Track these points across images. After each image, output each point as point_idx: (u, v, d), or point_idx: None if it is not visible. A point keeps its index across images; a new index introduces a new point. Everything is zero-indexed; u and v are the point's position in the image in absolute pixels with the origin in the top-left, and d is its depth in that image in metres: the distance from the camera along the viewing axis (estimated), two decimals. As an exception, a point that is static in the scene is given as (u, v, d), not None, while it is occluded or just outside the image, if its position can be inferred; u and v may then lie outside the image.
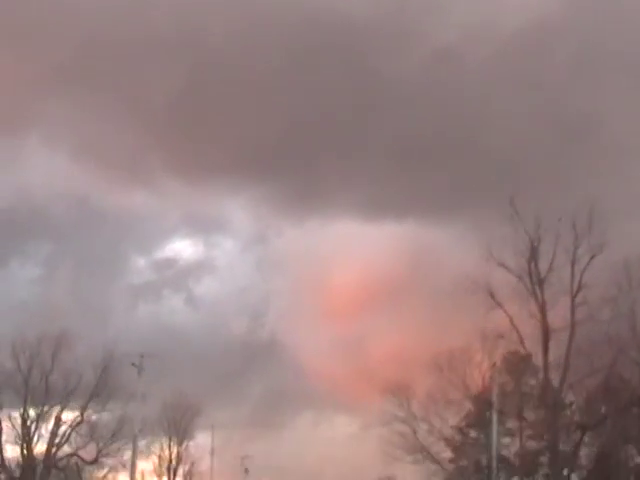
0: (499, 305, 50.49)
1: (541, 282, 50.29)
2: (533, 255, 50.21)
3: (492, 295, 50.48)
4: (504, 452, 58.37)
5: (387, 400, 61.46)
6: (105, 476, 70.29)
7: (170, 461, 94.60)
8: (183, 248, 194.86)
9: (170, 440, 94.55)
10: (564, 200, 50.59)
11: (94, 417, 66.17)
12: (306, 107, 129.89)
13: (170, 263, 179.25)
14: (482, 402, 58.11)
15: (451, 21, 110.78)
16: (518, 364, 55.32)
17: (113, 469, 69.46)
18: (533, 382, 54.80)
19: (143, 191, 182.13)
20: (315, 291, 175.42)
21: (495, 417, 53.46)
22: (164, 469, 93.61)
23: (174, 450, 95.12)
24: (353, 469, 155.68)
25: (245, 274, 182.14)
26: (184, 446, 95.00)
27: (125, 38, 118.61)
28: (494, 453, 53.13)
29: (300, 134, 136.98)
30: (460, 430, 61.72)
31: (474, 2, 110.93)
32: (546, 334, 49.44)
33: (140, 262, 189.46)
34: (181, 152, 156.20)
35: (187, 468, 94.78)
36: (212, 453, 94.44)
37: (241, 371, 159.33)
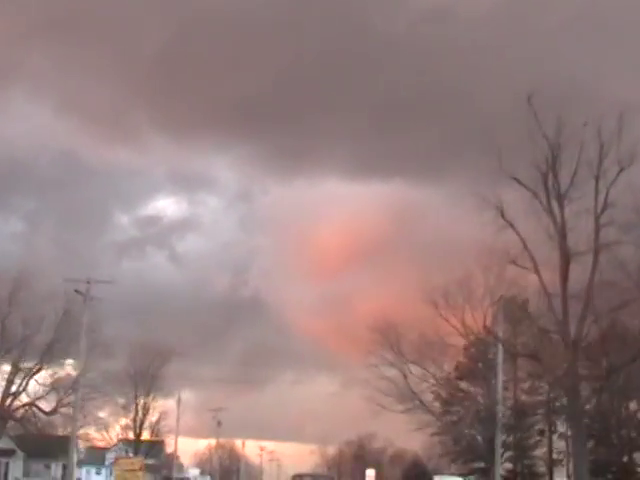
0: (510, 225, 42.53)
1: (561, 198, 42.39)
2: (552, 166, 42.23)
3: (502, 213, 42.58)
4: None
5: (375, 342, 53.54)
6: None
7: (136, 412, 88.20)
8: (167, 205, 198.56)
9: (136, 389, 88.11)
10: (588, 105, 42.24)
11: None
12: (294, 65, 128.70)
13: (154, 220, 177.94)
14: (482, 343, 50.83)
15: None
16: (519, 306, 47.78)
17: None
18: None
19: (128, 147, 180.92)
20: (300, 249, 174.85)
21: (501, 354, 46.09)
22: (129, 421, 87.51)
23: (140, 401, 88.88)
24: (334, 426, 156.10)
25: (229, 232, 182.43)
26: (151, 397, 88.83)
27: None
28: (500, 397, 45.85)
29: (288, 92, 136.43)
30: (449, 382, 54.44)
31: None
32: (566, 258, 41.61)
33: (124, 219, 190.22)
34: (167, 108, 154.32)
35: (155, 419, 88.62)
36: (178, 402, 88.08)
37: (223, 328, 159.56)
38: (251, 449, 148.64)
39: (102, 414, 69.11)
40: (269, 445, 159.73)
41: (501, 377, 47.79)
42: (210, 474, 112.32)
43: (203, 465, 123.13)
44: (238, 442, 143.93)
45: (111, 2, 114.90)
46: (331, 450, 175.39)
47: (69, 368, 60.66)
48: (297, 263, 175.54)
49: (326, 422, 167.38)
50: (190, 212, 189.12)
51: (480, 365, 55.81)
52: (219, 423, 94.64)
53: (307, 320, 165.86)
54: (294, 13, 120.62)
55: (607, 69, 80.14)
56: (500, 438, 49.14)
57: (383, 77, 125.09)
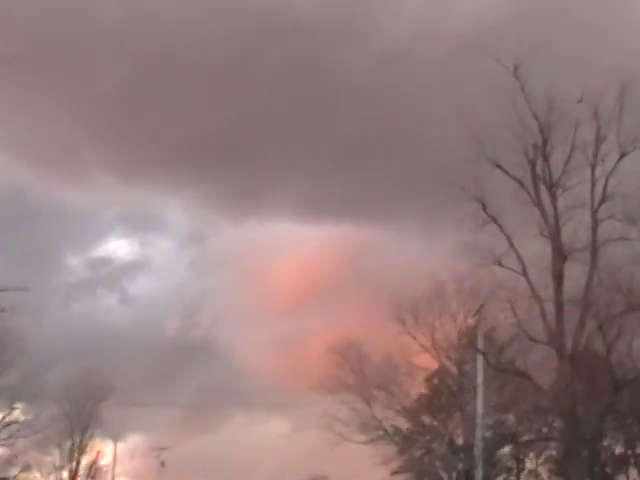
0: (493, 219, 36.30)
1: (552, 188, 36.25)
2: (542, 150, 36.14)
3: (484, 206, 36.40)
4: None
5: (334, 364, 46.96)
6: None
7: (71, 451, 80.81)
8: (119, 247, 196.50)
9: (72, 427, 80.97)
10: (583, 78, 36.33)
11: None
12: (248, 106, 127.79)
13: (105, 262, 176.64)
14: (451, 366, 44.78)
15: (403, 20, 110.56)
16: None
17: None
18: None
19: (79, 187, 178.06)
20: (252, 290, 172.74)
21: (481, 371, 39.64)
22: (64, 460, 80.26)
23: (76, 439, 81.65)
24: (286, 467, 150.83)
25: (181, 273, 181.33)
26: (88, 434, 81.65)
27: (65, 26, 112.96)
28: (480, 422, 39.34)
29: (241, 133, 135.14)
30: (411, 414, 48.09)
31: (427, 1, 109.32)
32: (560, 258, 35.38)
33: (74, 260, 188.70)
34: (118, 148, 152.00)
35: (91, 459, 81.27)
36: (115, 441, 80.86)
37: (175, 369, 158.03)
38: None
39: (38, 454, 66.61)
40: None
41: (481, 397, 41.06)
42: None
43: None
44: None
45: (63, 40, 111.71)
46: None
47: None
48: (249, 304, 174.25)
49: (278, 464, 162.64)
50: (142, 254, 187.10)
51: (442, 399, 49.45)
52: (162, 463, 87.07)
53: (259, 360, 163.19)
54: (249, 54, 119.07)
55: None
56: (480, 474, 42.11)
57: (337, 119, 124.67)
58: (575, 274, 35.26)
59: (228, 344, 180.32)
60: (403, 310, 44.42)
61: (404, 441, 49.28)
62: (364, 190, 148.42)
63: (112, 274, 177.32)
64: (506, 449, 51.13)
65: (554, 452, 49.61)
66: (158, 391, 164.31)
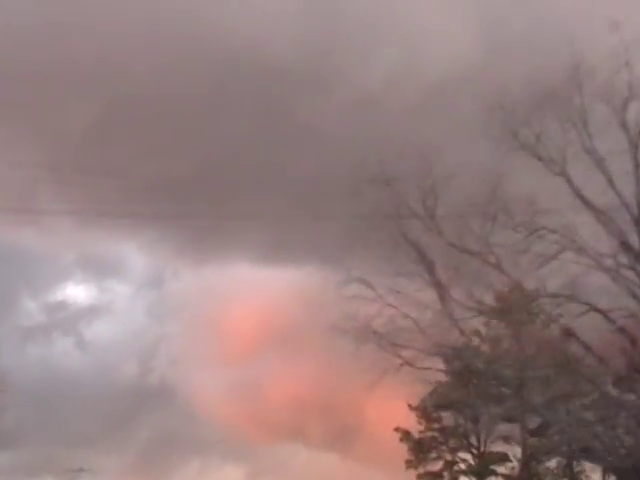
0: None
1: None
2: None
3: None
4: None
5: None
6: None
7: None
8: (75, 291, 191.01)
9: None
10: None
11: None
12: (209, 150, 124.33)
13: (61, 306, 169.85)
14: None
15: (373, 69, 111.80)
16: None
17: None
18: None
19: (35, 230, 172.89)
20: (211, 335, 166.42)
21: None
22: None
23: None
24: None
25: (138, 318, 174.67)
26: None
27: (29, 62, 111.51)
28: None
29: (201, 176, 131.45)
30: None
31: (398, 50, 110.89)
32: None
33: (30, 304, 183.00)
34: (75, 190, 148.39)
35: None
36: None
37: (129, 416, 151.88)
38: None
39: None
40: None
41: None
42: None
43: None
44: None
45: (26, 76, 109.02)
46: None
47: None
48: (207, 349, 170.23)
49: None
50: (99, 298, 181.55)
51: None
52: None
53: (216, 407, 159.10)
54: (214, 99, 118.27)
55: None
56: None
57: (302, 163, 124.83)
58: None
59: (185, 390, 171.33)
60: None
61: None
62: (325, 234, 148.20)
63: (68, 318, 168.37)
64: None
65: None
66: (113, 436, 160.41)
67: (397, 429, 50.07)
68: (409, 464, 50.19)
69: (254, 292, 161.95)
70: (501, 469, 48.20)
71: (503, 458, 48.05)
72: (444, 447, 50.29)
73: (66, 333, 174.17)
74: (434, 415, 50.24)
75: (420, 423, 50.72)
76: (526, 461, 42.38)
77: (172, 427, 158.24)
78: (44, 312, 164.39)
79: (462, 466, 49.67)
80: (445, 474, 49.95)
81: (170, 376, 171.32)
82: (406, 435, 50.73)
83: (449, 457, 50.08)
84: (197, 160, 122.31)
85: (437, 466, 50.08)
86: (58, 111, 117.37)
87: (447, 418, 49.50)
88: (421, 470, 50.20)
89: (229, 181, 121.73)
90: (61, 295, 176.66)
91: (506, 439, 46.28)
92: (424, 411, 50.32)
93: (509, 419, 41.43)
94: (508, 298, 32.22)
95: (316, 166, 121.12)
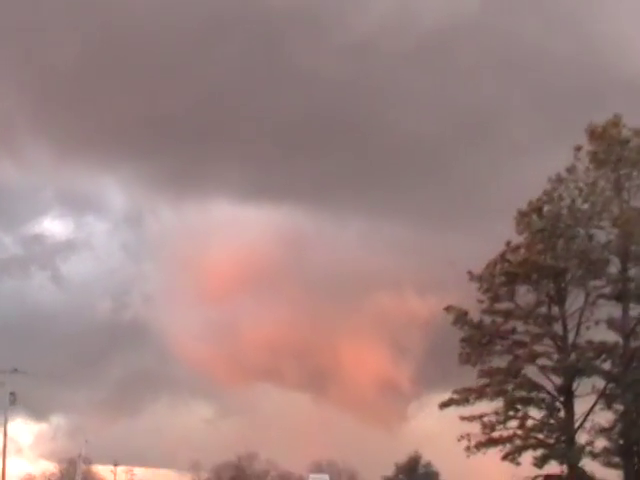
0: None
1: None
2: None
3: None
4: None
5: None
6: None
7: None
8: (52, 225, 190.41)
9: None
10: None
11: None
12: (192, 89, 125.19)
13: (38, 240, 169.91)
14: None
15: (370, 13, 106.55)
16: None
17: None
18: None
19: (13, 164, 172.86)
20: (187, 274, 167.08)
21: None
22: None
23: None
24: (210, 453, 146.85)
25: (115, 255, 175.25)
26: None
27: None
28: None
29: (185, 114, 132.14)
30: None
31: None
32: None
33: (6, 237, 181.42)
34: (55, 125, 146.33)
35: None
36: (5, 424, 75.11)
37: (103, 352, 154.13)
38: (120, 476, 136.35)
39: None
40: (140, 472, 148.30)
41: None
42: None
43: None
44: (104, 468, 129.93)
45: (7, 12, 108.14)
46: (205, 476, 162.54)
47: None
48: (182, 288, 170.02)
49: (201, 449, 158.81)
50: (76, 233, 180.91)
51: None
52: (80, 456, 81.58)
53: (189, 346, 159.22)
54: (206, 40, 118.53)
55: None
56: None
57: (285, 105, 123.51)
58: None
59: (158, 328, 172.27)
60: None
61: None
62: (307, 174, 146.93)
63: (45, 252, 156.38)
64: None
65: None
66: (85, 372, 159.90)
67: (448, 308, 34.98)
68: (464, 358, 35.28)
69: (233, 232, 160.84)
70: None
71: (600, 349, 33.58)
72: (515, 335, 35.05)
73: (43, 267, 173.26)
74: (503, 290, 34.47)
75: (481, 301, 34.38)
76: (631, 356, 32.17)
77: (144, 364, 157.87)
78: (21, 245, 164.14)
79: (544, 362, 34.19)
80: (516, 371, 34.11)
81: (144, 314, 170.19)
82: (461, 316, 35.04)
83: (520, 350, 34.40)
84: (186, 99, 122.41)
85: (503, 362, 35.05)
86: (43, 44, 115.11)
87: (522, 295, 34.97)
88: (482, 367, 35.15)
89: (210, 120, 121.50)
90: (38, 229, 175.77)
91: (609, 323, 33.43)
92: (489, 282, 34.09)
93: (613, 296, 31.95)
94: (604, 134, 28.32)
95: (309, 109, 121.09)
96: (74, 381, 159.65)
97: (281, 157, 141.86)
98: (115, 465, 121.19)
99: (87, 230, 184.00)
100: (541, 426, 31.57)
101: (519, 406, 32.49)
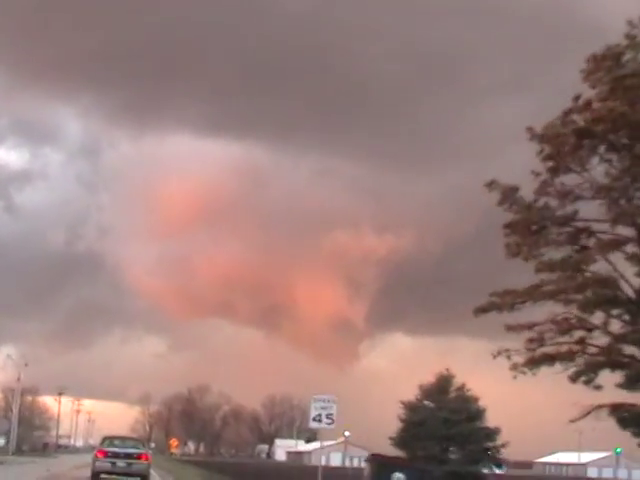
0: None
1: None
2: None
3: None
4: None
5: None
6: None
7: None
8: (7, 155, 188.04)
9: None
10: None
11: None
12: (160, 21, 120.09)
13: None
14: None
15: None
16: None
17: None
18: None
19: None
20: (143, 207, 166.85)
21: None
22: None
23: None
24: (161, 387, 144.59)
25: (71, 186, 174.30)
26: None
27: None
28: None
29: (148, 46, 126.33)
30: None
31: None
32: None
33: None
34: (13, 51, 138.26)
35: None
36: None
37: (55, 284, 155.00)
38: (67, 406, 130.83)
39: None
40: (89, 403, 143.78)
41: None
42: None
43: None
44: (51, 399, 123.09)
45: None
46: (155, 409, 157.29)
47: None
48: (138, 221, 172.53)
49: (153, 383, 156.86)
50: (31, 163, 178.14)
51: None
52: (19, 379, 74.24)
53: (142, 279, 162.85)
54: None
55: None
56: None
57: (248, 40, 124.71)
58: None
59: (112, 261, 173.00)
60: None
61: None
62: (269, 109, 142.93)
63: None
64: None
65: None
66: (36, 303, 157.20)
67: (491, 184, 25.50)
68: (513, 250, 25.64)
69: (191, 166, 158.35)
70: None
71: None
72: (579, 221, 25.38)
73: None
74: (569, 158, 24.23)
75: (537, 174, 24.82)
76: None
77: (97, 297, 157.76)
78: None
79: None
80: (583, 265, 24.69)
81: (98, 246, 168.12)
82: (510, 192, 25.32)
83: (589, 239, 24.99)
84: (148, 31, 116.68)
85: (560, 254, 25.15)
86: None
87: (595, 166, 24.75)
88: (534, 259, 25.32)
89: (173, 53, 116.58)
90: None
91: None
92: (554, 141, 24.39)
93: None
94: None
95: (271, 44, 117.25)
96: (25, 312, 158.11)
97: (241, 92, 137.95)
98: (60, 394, 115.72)
99: (42, 160, 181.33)
100: (627, 336, 23.11)
101: (593, 310, 23.89)
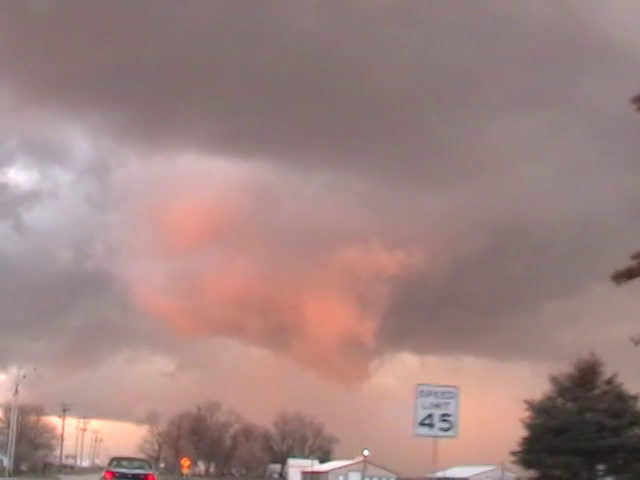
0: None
1: None
2: None
3: None
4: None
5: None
6: None
7: None
8: (17, 175, 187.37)
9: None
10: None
11: None
12: (159, 38, 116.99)
13: (1, 189, 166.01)
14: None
15: None
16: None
17: None
18: None
19: None
20: (152, 226, 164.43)
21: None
22: None
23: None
24: (168, 406, 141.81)
25: (80, 205, 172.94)
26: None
27: None
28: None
29: (151, 64, 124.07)
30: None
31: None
32: None
33: None
34: (20, 71, 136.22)
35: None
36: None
37: (64, 303, 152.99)
38: (73, 426, 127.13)
39: None
40: (95, 423, 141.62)
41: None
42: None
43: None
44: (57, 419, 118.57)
45: None
46: (163, 428, 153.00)
47: None
48: (147, 240, 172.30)
49: (161, 402, 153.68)
50: (40, 183, 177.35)
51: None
52: (16, 391, 69.92)
53: (152, 298, 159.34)
54: None
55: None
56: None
57: (256, 58, 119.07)
58: None
59: (120, 280, 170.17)
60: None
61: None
62: (277, 127, 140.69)
63: (8, 201, 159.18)
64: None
65: None
66: (44, 322, 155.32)
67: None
68: None
69: (200, 184, 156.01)
70: None
71: None
72: None
73: (5, 216, 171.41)
74: None
75: None
76: None
77: (105, 316, 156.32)
78: None
79: None
80: None
81: (107, 265, 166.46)
82: None
83: None
84: (156, 49, 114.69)
85: None
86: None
87: None
88: None
89: (181, 71, 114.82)
90: (2, 178, 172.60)
91: None
92: None
93: None
94: None
95: (280, 61, 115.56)
96: (34, 331, 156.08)
97: (250, 110, 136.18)
98: (64, 411, 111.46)
99: (52, 180, 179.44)
100: None
101: None
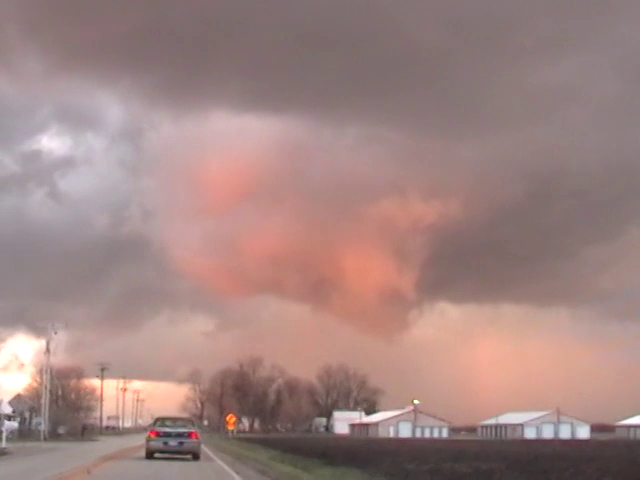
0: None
1: None
2: None
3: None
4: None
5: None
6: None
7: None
8: (50, 142, 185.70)
9: None
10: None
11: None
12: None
13: (36, 156, 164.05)
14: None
15: None
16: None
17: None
18: None
19: (9, 81, 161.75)
20: (187, 188, 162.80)
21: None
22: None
23: None
24: (209, 366, 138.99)
25: (115, 170, 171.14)
26: None
27: None
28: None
29: (184, 24, 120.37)
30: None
31: None
32: None
33: (5, 156, 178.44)
34: (52, 38, 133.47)
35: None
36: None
37: (103, 268, 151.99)
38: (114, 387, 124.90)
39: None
40: (139, 385, 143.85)
41: None
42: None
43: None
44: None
45: None
46: (206, 386, 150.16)
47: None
48: (182, 202, 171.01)
49: (202, 361, 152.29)
50: (74, 149, 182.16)
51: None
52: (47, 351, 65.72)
53: (189, 260, 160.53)
54: None
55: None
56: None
57: (286, 13, 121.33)
58: None
59: (158, 242, 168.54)
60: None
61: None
62: (307, 82, 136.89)
63: (43, 169, 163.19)
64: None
65: None
66: (83, 287, 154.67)
67: None
68: None
69: (232, 143, 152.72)
70: None
71: None
72: None
73: (40, 184, 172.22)
74: None
75: None
76: None
77: (143, 279, 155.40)
78: (18, 163, 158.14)
79: None
80: None
81: (143, 229, 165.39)
82: None
83: None
84: (184, 10, 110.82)
85: None
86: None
87: None
88: None
89: (209, 30, 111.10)
90: (36, 146, 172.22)
91: None
92: None
93: None
94: None
95: (308, 17, 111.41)
96: (74, 297, 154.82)
97: (280, 65, 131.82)
98: (102, 370, 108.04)
99: (85, 146, 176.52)
100: None
101: None
